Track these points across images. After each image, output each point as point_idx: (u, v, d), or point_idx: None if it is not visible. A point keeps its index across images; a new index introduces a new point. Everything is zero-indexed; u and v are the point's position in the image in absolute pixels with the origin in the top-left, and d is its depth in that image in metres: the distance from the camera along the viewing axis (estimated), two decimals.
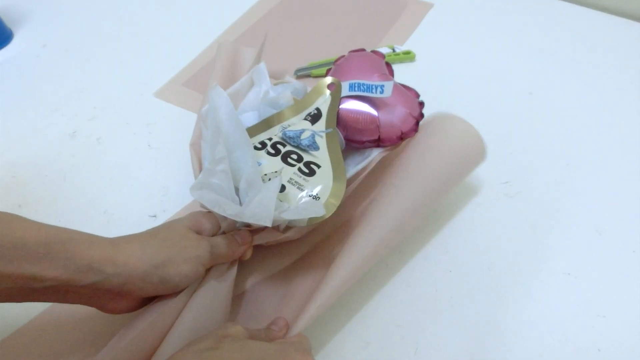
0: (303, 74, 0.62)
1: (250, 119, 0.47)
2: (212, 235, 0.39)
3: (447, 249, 0.45)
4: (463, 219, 0.47)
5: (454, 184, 0.44)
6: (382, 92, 0.44)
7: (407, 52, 0.64)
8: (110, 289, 0.32)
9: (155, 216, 0.48)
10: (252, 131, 0.44)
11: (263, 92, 0.48)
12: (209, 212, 0.39)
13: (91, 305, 0.34)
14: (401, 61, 0.64)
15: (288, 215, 0.36)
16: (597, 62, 0.63)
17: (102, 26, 0.71)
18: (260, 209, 0.35)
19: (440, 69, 0.63)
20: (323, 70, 0.62)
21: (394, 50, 0.64)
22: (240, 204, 0.39)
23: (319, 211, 0.37)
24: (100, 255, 0.32)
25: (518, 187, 0.50)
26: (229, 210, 0.36)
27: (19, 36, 0.70)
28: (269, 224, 0.35)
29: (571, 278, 0.43)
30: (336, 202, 0.39)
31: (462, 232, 0.46)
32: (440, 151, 0.43)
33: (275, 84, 0.51)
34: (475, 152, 0.45)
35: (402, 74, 0.63)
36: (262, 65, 0.50)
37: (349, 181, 0.43)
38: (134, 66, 0.65)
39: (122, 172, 0.53)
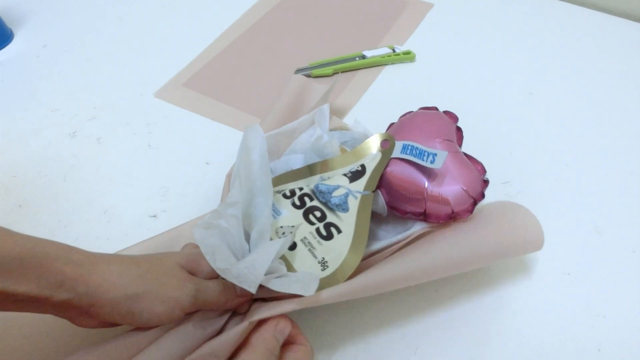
0: (303, 74, 0.62)
1: (296, 161, 0.44)
2: (210, 279, 0.36)
3: None
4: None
5: (497, 260, 0.41)
6: (432, 162, 0.38)
7: (407, 52, 0.64)
8: (80, 307, 0.31)
9: (155, 216, 0.48)
10: (291, 176, 0.42)
11: (316, 136, 0.45)
12: None
13: (62, 317, 0.33)
14: (401, 61, 0.64)
15: (274, 286, 0.33)
16: (597, 62, 0.63)
17: (102, 26, 0.71)
18: (248, 271, 0.32)
19: (440, 69, 0.63)
20: (323, 70, 0.62)
21: (394, 50, 0.64)
22: (250, 250, 0.36)
23: (309, 290, 0.33)
24: (74, 272, 0.31)
25: (518, 187, 0.50)
26: (219, 262, 0.33)
27: (19, 36, 0.70)
28: (252, 291, 0.32)
29: (571, 278, 0.43)
30: (343, 277, 0.36)
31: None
32: (495, 229, 0.39)
33: (333, 129, 0.48)
34: (532, 241, 0.40)
35: (402, 74, 0.63)
36: (326, 107, 0.48)
37: (379, 251, 0.39)
38: (134, 66, 0.65)
39: (122, 172, 0.53)
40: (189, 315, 0.35)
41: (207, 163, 0.53)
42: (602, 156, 0.53)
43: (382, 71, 0.63)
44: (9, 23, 0.71)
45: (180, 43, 0.68)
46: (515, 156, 0.53)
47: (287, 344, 0.35)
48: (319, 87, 0.54)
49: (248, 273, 0.32)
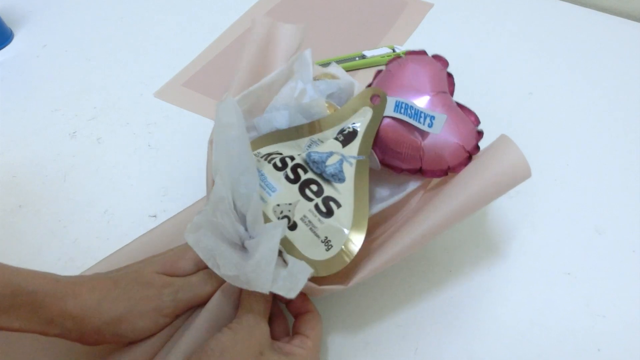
0: None
1: (280, 119, 0.41)
2: (196, 270, 0.37)
3: (447, 249, 0.45)
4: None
5: (491, 199, 0.38)
6: (430, 127, 0.36)
7: None
8: (71, 338, 0.33)
9: (155, 216, 0.48)
10: (277, 137, 0.40)
11: (299, 90, 0.41)
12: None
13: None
14: None
15: (275, 289, 0.31)
16: (597, 62, 0.63)
17: (102, 26, 0.71)
18: (256, 274, 0.31)
19: None
20: None
21: (394, 50, 0.64)
22: (249, 235, 0.35)
23: (306, 272, 0.32)
24: (60, 309, 0.32)
25: (518, 187, 0.49)
26: (224, 269, 0.32)
27: (19, 36, 0.70)
28: (265, 292, 0.31)
29: (571, 278, 0.43)
30: (349, 256, 0.34)
31: (462, 232, 0.46)
32: (481, 172, 0.37)
33: (318, 78, 0.44)
34: (519, 171, 0.38)
35: None
36: (308, 53, 0.43)
37: (378, 216, 0.38)
38: (134, 66, 0.65)
39: (122, 172, 0.53)
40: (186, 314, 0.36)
41: None
42: (602, 156, 0.52)
43: None
44: (9, 23, 0.71)
45: (180, 43, 0.68)
46: None
47: (298, 314, 0.36)
48: (289, 27, 0.47)
49: (257, 277, 0.31)
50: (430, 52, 0.65)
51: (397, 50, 0.64)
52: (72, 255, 0.46)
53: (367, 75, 0.62)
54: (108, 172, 0.53)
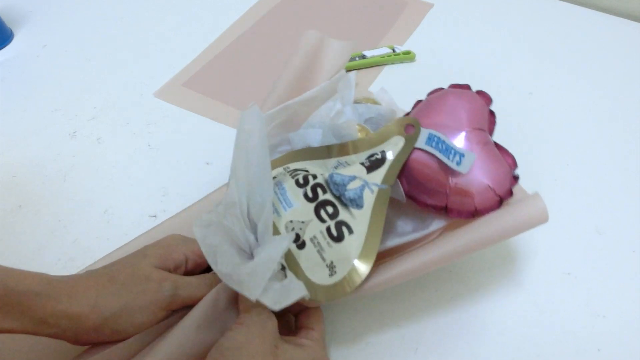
0: None
1: (314, 136, 0.41)
2: (186, 263, 0.37)
3: None
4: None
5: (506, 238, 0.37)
6: (458, 164, 0.35)
7: (407, 52, 0.64)
8: (67, 338, 0.33)
9: (155, 216, 0.48)
10: (309, 154, 0.40)
11: (335, 111, 0.41)
12: (187, 238, 0.38)
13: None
14: (401, 61, 0.64)
15: (263, 298, 0.31)
16: (597, 62, 0.63)
17: (102, 26, 0.71)
18: (250, 278, 0.31)
19: (440, 69, 0.63)
20: None
21: (394, 50, 0.64)
22: (259, 245, 0.35)
23: (299, 292, 0.32)
24: (54, 309, 0.31)
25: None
26: (221, 266, 0.32)
27: (19, 36, 0.70)
28: (253, 299, 0.30)
29: (571, 278, 0.43)
30: (351, 286, 0.33)
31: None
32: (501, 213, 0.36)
33: (359, 101, 0.44)
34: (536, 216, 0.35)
35: (402, 74, 0.63)
36: (352, 75, 0.43)
37: (394, 249, 0.37)
38: (134, 66, 0.65)
39: (122, 172, 0.53)
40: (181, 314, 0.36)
41: (207, 163, 0.53)
42: (603, 156, 0.53)
43: (382, 71, 0.63)
44: (9, 23, 0.71)
45: (180, 43, 0.68)
46: (515, 156, 0.53)
47: (299, 310, 0.36)
48: (336, 43, 0.47)
49: (249, 281, 0.31)
50: (429, 52, 0.65)
51: (397, 51, 0.64)
52: (72, 255, 0.46)
53: (367, 75, 0.62)
54: (108, 172, 0.53)
